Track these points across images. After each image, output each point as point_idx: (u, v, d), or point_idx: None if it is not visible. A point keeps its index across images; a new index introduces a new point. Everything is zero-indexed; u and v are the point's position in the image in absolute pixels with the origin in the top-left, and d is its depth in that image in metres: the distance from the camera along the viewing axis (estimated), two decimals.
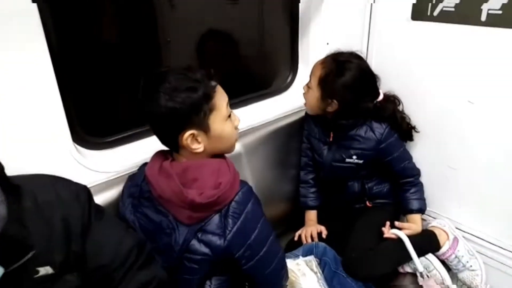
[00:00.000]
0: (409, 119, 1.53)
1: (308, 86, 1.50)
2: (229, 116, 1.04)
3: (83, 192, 0.88)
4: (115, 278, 0.86)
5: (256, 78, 1.88)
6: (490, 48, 1.28)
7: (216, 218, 0.93)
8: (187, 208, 0.91)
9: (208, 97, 0.95)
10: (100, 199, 1.14)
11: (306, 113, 1.66)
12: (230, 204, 0.94)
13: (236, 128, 1.07)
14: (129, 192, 1.07)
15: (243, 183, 1.03)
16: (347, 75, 1.39)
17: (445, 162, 1.51)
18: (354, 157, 1.50)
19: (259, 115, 1.65)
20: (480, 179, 1.44)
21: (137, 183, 1.05)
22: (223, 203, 0.93)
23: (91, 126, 1.24)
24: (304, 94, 1.53)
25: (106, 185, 1.19)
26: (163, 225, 0.96)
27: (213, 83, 0.99)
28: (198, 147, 0.98)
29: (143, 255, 0.92)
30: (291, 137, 1.70)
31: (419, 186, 1.56)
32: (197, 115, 0.94)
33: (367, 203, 1.60)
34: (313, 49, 1.77)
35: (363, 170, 1.54)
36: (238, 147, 1.49)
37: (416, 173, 1.56)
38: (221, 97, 1.00)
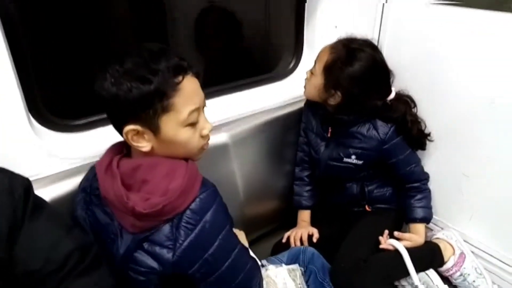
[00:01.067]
0: (424, 124, 1.34)
1: (311, 72, 1.34)
2: (193, 123, 0.85)
3: (20, 187, 0.76)
4: (48, 285, 0.75)
5: (256, 61, 1.73)
6: None
7: (166, 228, 0.79)
8: (130, 215, 0.78)
9: (163, 94, 0.78)
10: (60, 189, 1.04)
11: (305, 104, 1.51)
12: (184, 212, 0.79)
13: (203, 136, 0.89)
14: (82, 186, 0.95)
15: (206, 186, 0.86)
16: (356, 66, 1.22)
17: (458, 168, 1.33)
18: (353, 156, 1.34)
19: (255, 102, 1.51)
20: (496, 189, 1.26)
21: (88, 177, 0.93)
22: (172, 213, 0.78)
23: (58, 106, 1.13)
24: (306, 80, 1.37)
25: (70, 173, 1.08)
26: (109, 229, 0.84)
27: (177, 79, 0.80)
28: (143, 146, 0.83)
29: (87, 260, 0.80)
30: (288, 129, 1.55)
31: (426, 193, 1.39)
32: (144, 111, 0.79)
33: (366, 207, 1.45)
34: (319, 32, 1.59)
35: (363, 171, 1.39)
36: (224, 137, 1.36)
37: (424, 178, 1.39)
38: (186, 99, 0.81)
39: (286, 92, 1.60)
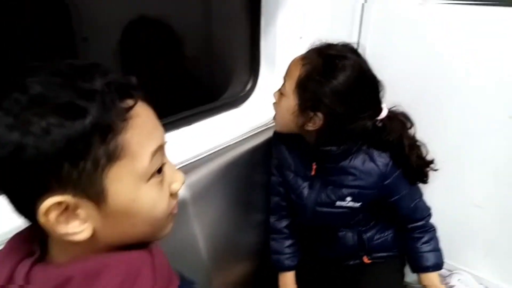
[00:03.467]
0: (426, 150, 1.05)
1: (281, 92, 1.02)
2: (158, 174, 0.51)
3: None
4: None
5: (204, 85, 1.38)
6: None
7: None
8: None
9: (106, 131, 0.44)
10: None
11: (275, 133, 1.19)
12: None
13: (172, 195, 0.55)
14: None
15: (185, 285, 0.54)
16: (340, 77, 0.92)
17: (468, 199, 1.10)
18: (348, 198, 1.04)
19: (208, 138, 1.15)
20: None
21: None
22: None
23: None
24: (274, 104, 1.05)
25: None
26: None
27: (126, 104, 0.46)
28: (77, 232, 0.46)
29: None
30: (255, 167, 1.21)
31: (433, 232, 1.14)
32: (75, 166, 0.43)
33: (365, 259, 1.15)
34: (280, 45, 1.29)
35: (359, 215, 1.10)
36: (182, 191, 0.98)
37: (428, 213, 1.14)
38: (143, 135, 0.48)
39: (246, 121, 1.27)
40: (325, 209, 1.07)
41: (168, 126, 1.12)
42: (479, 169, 1.06)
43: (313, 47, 1.01)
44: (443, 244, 1.16)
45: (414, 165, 1.04)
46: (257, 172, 1.22)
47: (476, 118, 1.03)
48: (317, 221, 1.10)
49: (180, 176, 0.56)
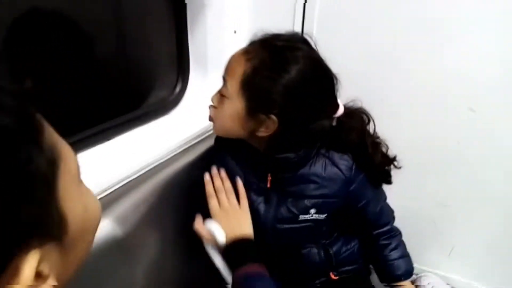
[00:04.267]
0: (386, 146, 0.94)
1: (221, 94, 0.84)
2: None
3: None
4: None
5: (117, 92, 1.13)
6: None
7: None
8: None
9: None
10: None
11: (216, 142, 1.00)
12: None
13: None
14: None
15: None
16: (293, 70, 0.77)
17: (432, 197, 1.03)
18: (312, 210, 0.90)
19: (132, 157, 0.92)
20: (482, 218, 0.99)
21: None
22: None
23: None
24: (212, 108, 0.87)
25: None
26: None
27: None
28: None
29: None
30: (196, 185, 1.01)
31: (399, 237, 1.03)
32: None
33: (332, 275, 1.02)
34: (212, 41, 1.11)
35: (324, 227, 0.96)
36: (108, 226, 0.74)
37: (392, 216, 1.04)
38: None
39: (179, 130, 1.07)
40: (287, 226, 0.91)
41: (79, 144, 0.87)
42: (441, 166, 0.99)
43: (256, 39, 0.85)
44: (408, 246, 1.07)
45: (378, 164, 0.93)
46: (199, 191, 1.01)
47: (435, 111, 0.96)
48: (279, 240, 0.94)
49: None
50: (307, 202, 0.89)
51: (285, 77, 0.77)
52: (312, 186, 0.89)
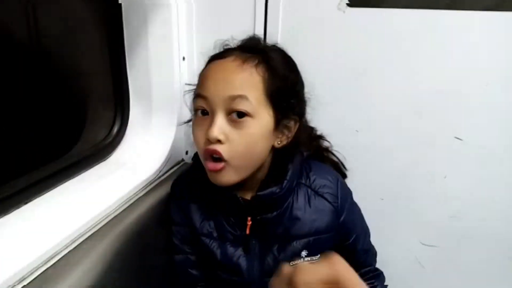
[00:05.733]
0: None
1: (235, 118, 0.66)
2: None
3: None
4: None
5: (36, 135, 0.90)
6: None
7: None
8: None
9: None
10: None
11: (174, 188, 0.83)
12: None
13: None
14: None
15: None
16: (295, 66, 0.76)
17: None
18: (304, 253, 0.76)
19: (60, 221, 0.69)
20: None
21: None
22: None
23: None
24: (220, 147, 0.66)
25: None
26: None
27: None
28: None
29: None
30: (146, 248, 0.80)
31: (382, 276, 0.92)
32: None
33: None
34: (157, 70, 0.95)
35: None
36: None
37: (375, 251, 0.94)
38: None
39: (120, 180, 0.85)
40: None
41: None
42: (386, 168, 0.96)
43: (234, 46, 0.75)
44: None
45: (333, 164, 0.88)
46: (154, 254, 0.81)
47: (383, 115, 0.94)
48: None
49: None
50: (296, 244, 0.75)
51: (297, 70, 0.76)
52: (298, 223, 0.75)
